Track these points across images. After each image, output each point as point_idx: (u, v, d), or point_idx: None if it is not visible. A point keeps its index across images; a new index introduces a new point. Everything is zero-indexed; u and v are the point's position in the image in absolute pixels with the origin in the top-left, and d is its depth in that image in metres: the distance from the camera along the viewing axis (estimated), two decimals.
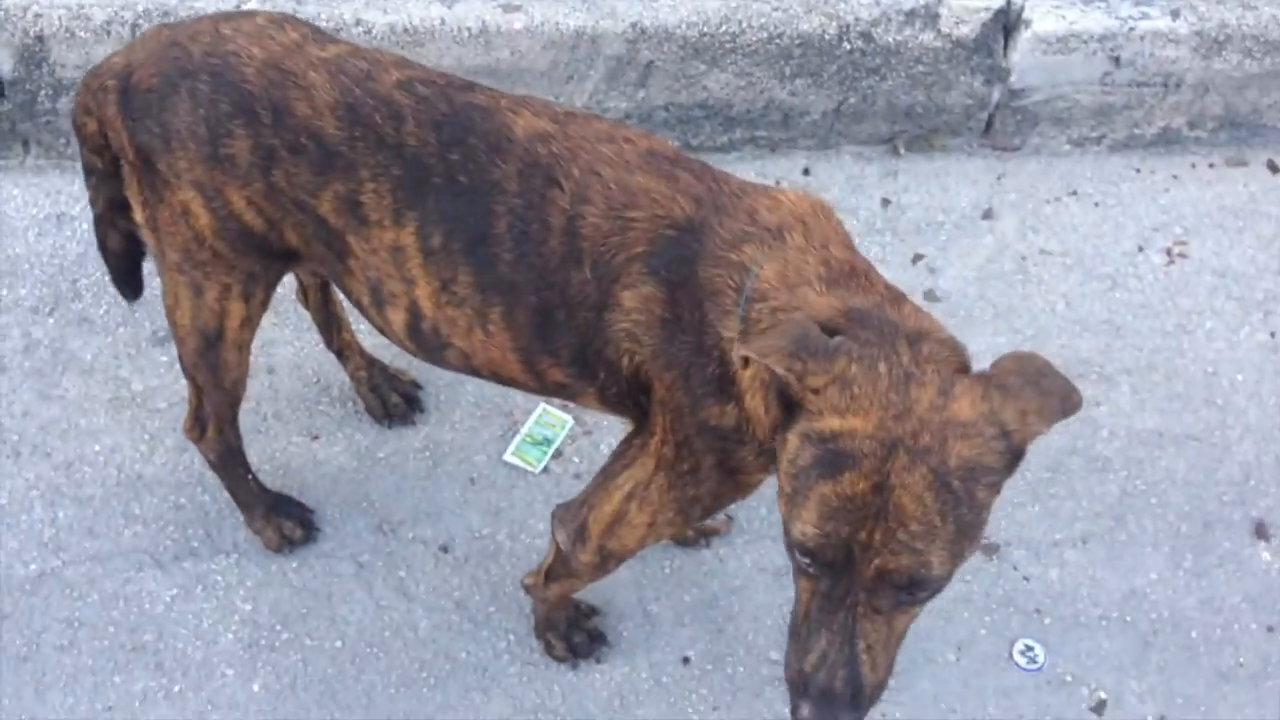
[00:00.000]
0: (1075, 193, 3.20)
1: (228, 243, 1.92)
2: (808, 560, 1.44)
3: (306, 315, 2.58)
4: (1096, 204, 3.18)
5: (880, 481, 1.37)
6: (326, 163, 1.79)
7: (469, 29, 2.95)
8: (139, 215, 1.99)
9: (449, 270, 1.80)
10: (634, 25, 2.99)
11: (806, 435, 1.42)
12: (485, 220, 1.76)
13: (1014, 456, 1.43)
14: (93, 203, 2.12)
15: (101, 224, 2.15)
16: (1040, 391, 1.43)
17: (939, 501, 1.37)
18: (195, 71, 1.82)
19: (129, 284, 2.27)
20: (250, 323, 2.09)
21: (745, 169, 3.15)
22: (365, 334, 2.63)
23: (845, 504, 1.38)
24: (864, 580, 1.41)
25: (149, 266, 2.19)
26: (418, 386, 2.68)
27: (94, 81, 1.93)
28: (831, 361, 1.43)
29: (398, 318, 1.89)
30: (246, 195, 1.85)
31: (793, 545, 1.45)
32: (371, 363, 2.62)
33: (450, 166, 1.76)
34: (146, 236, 2.02)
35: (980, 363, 1.54)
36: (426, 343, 1.91)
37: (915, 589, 1.42)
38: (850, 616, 1.43)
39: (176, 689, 2.30)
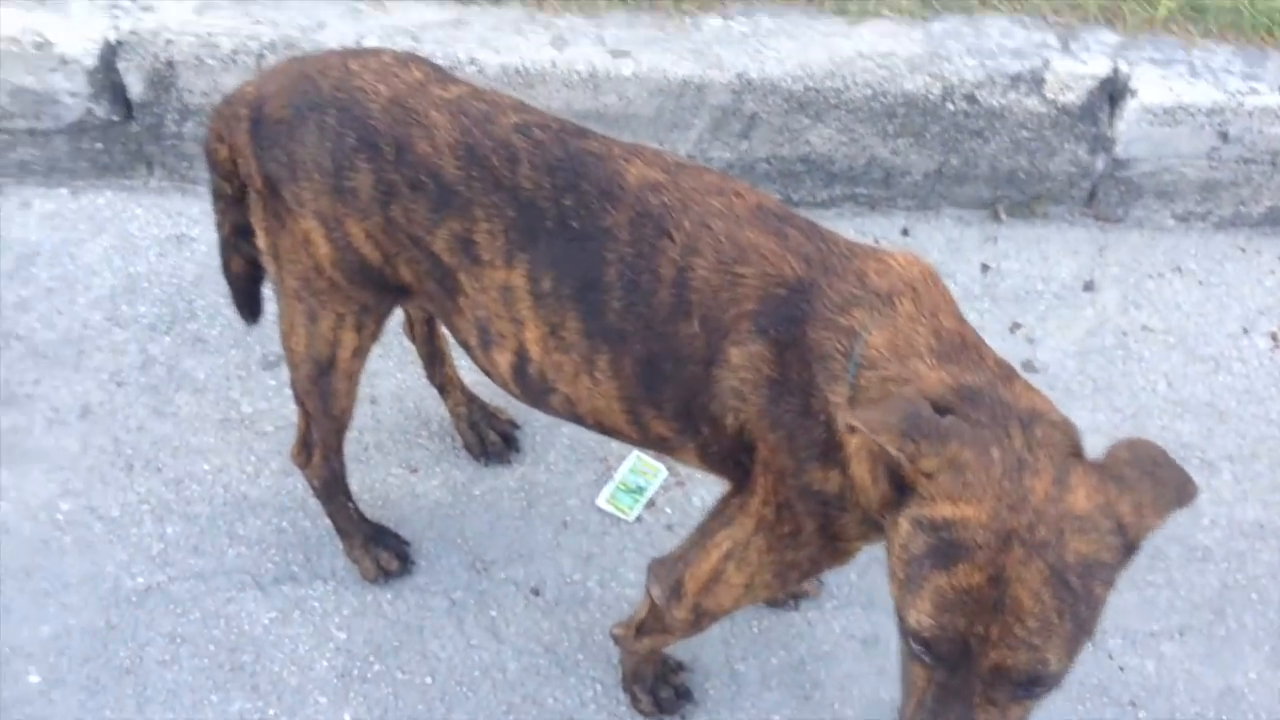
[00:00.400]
0: (1179, 269, 3.02)
1: (345, 274, 1.86)
2: (923, 649, 1.33)
3: (411, 348, 2.51)
4: (1200, 282, 2.99)
5: (996, 574, 1.27)
6: (443, 201, 1.72)
7: (578, 72, 2.88)
8: (262, 241, 1.94)
9: (558, 315, 1.71)
10: (740, 76, 2.89)
11: (918, 521, 1.32)
12: (596, 267, 1.67)
13: (1129, 551, 1.32)
14: (219, 226, 2.08)
15: (226, 248, 2.11)
16: (1156, 482, 1.33)
17: (1057, 599, 1.27)
18: (324, 105, 1.77)
19: (249, 307, 2.23)
20: (361, 353, 2.03)
21: (844, 226, 3.02)
22: (466, 370, 2.54)
23: (961, 597, 1.28)
24: (981, 673, 1.30)
25: (267, 291, 2.13)
26: (515, 426, 2.59)
27: (227, 109, 1.90)
28: (944, 444, 1.32)
29: (504, 359, 1.81)
30: (365, 228, 1.79)
31: (907, 633, 1.34)
32: (471, 399, 2.53)
33: (563, 211, 1.68)
34: (267, 263, 1.97)
35: (1081, 439, 1.41)
36: (532, 386, 1.82)
37: (1032, 685, 1.31)
38: (967, 708, 1.32)
39: (271, 712, 2.20)
